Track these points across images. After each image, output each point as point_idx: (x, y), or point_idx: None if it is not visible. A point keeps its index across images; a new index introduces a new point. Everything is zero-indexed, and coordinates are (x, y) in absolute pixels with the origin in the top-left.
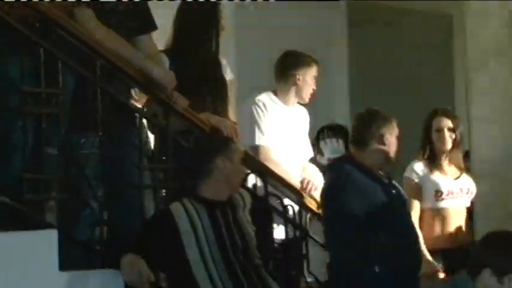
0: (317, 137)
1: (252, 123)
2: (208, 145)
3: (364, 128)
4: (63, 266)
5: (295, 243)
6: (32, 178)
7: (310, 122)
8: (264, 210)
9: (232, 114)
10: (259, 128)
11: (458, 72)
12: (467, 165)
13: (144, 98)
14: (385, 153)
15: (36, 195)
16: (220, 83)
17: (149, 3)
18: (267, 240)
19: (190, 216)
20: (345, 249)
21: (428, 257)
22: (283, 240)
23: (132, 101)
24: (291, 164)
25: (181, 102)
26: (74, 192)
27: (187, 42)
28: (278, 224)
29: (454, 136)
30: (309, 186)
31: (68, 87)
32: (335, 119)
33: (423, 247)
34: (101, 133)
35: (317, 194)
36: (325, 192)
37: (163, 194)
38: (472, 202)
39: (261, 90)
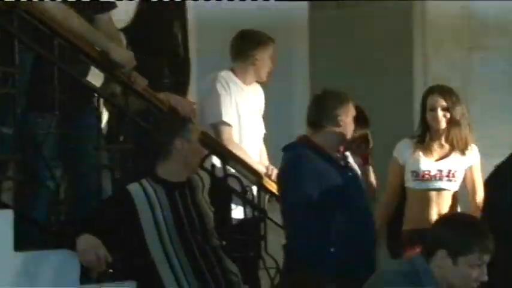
0: None
1: (215, 99)
2: (166, 126)
3: (318, 109)
4: (19, 246)
5: (253, 224)
6: None
7: (270, 103)
8: (223, 191)
9: (192, 94)
10: (223, 105)
11: (417, 57)
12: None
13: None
14: (341, 135)
15: None
16: (183, 62)
17: None
18: (225, 221)
19: (148, 197)
20: (300, 231)
21: None
22: (241, 221)
23: None
24: (250, 144)
25: (140, 82)
26: (30, 173)
27: (148, 22)
28: (237, 205)
29: (448, 115)
30: (274, 173)
31: (26, 66)
32: (293, 100)
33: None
34: (58, 113)
35: None
36: (280, 175)
37: (121, 175)
38: None
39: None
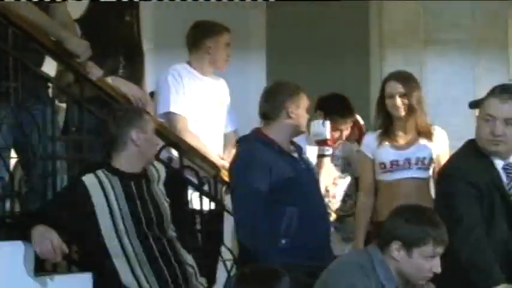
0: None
1: (166, 91)
2: (122, 117)
3: (269, 102)
4: None
5: (211, 216)
6: None
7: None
8: (179, 183)
9: (147, 85)
10: (173, 95)
11: (374, 51)
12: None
13: None
14: (293, 127)
15: None
16: (137, 53)
17: None
18: (182, 212)
19: (104, 188)
20: (250, 223)
21: None
22: (199, 213)
23: None
24: (209, 136)
25: (95, 72)
26: None
27: (102, 12)
28: (194, 197)
29: (407, 102)
30: None
31: None
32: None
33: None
34: (12, 103)
35: None
36: (231, 167)
37: (77, 166)
38: None
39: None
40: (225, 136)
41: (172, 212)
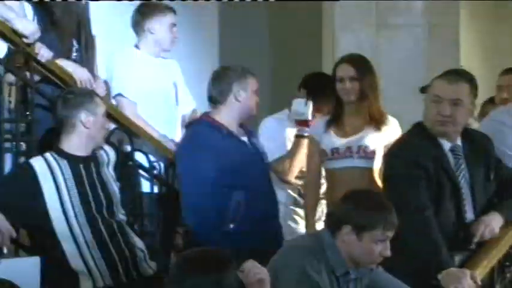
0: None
1: (115, 74)
2: (70, 98)
3: (216, 86)
4: None
5: (163, 199)
6: None
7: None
8: (130, 166)
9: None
10: (121, 78)
11: (326, 36)
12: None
13: None
14: (241, 110)
15: None
16: (89, 37)
17: None
18: (132, 196)
19: (52, 171)
20: (196, 209)
21: None
22: (151, 196)
23: None
24: (163, 118)
25: (45, 53)
26: None
27: None
28: (145, 180)
29: (358, 86)
30: None
31: None
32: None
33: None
34: None
35: None
36: (177, 152)
37: (24, 148)
38: None
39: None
40: (184, 117)
41: (122, 196)
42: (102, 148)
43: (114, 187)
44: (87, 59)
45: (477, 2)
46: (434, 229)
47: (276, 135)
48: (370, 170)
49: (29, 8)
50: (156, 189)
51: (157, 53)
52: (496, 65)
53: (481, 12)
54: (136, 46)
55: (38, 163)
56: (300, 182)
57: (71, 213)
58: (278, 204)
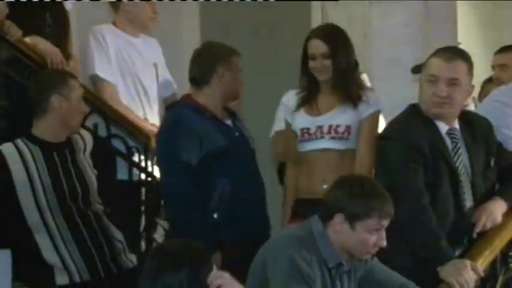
0: None
1: (91, 53)
2: (42, 81)
3: (198, 65)
4: None
5: (143, 187)
6: None
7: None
8: (107, 152)
9: (73, 47)
10: (98, 57)
11: (315, 11)
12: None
13: None
14: (225, 92)
15: None
16: (62, 12)
17: None
18: (109, 184)
19: (23, 159)
20: (177, 197)
21: None
22: (129, 184)
23: None
24: (142, 101)
25: (14, 32)
26: None
27: None
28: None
29: (332, 64)
30: None
31: None
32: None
33: None
34: None
35: None
36: (157, 136)
37: None
38: None
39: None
40: (165, 100)
41: (99, 184)
42: (78, 133)
43: (91, 175)
44: (62, 35)
45: None
46: (431, 219)
47: None
48: (344, 153)
49: None
50: (135, 177)
51: (136, 32)
52: (496, 42)
53: None
54: (114, 23)
55: (7, 150)
56: None
57: (43, 203)
58: (265, 192)
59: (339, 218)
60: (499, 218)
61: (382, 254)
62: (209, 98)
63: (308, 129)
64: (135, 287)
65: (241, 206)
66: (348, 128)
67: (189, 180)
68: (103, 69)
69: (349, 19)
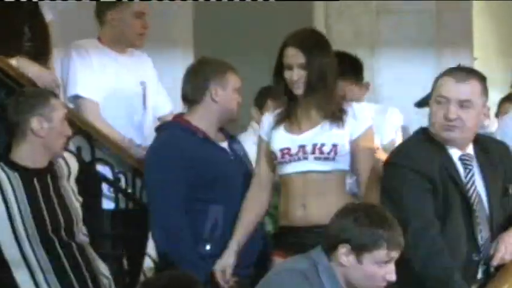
0: None
1: (72, 70)
2: (20, 101)
3: (191, 83)
4: None
5: (130, 217)
6: None
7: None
8: (91, 178)
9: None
10: (79, 75)
11: (319, 17)
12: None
13: None
14: (219, 112)
15: None
16: (39, 24)
17: None
18: (94, 213)
19: (0, 186)
20: (167, 227)
21: None
22: (116, 213)
23: None
24: (129, 123)
25: None
26: None
27: None
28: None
29: (306, 75)
30: None
31: None
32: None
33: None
34: None
35: None
36: (145, 160)
37: None
38: None
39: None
40: (161, 120)
41: (85, 213)
42: (61, 157)
43: (75, 203)
44: (43, 49)
45: None
46: (443, 250)
47: None
48: (328, 174)
49: None
50: (121, 205)
51: (122, 48)
52: None
53: None
54: (99, 38)
55: None
56: None
57: (22, 235)
58: (264, 219)
59: (344, 249)
60: None
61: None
62: (202, 118)
63: (289, 149)
64: None
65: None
66: (334, 147)
67: (179, 210)
68: (86, 88)
69: (355, 32)
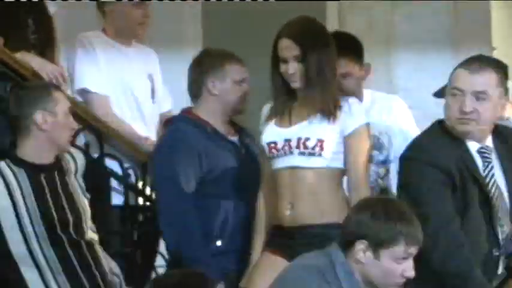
0: None
1: (78, 63)
2: (22, 95)
3: (193, 75)
4: None
5: (140, 213)
6: None
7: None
8: (100, 174)
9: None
10: (86, 68)
11: (332, 14)
12: None
13: None
14: (220, 105)
15: None
16: (44, 17)
17: None
18: (103, 209)
19: (7, 183)
20: (176, 223)
21: None
22: (125, 209)
23: None
24: (136, 117)
25: None
26: None
27: None
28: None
29: (303, 69)
30: None
31: None
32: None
33: None
34: None
35: None
36: (153, 155)
37: None
38: None
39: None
40: (161, 116)
41: (93, 210)
42: (68, 153)
43: (83, 200)
44: (48, 42)
45: None
46: (463, 245)
47: None
48: (318, 171)
49: None
50: (131, 201)
51: (126, 40)
52: None
53: None
54: (104, 30)
55: None
56: None
57: (30, 233)
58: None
59: (361, 246)
60: None
61: (406, 285)
62: (206, 112)
63: (275, 143)
64: None
65: (247, 232)
66: (319, 142)
67: (188, 203)
68: (93, 82)
69: (369, 23)
